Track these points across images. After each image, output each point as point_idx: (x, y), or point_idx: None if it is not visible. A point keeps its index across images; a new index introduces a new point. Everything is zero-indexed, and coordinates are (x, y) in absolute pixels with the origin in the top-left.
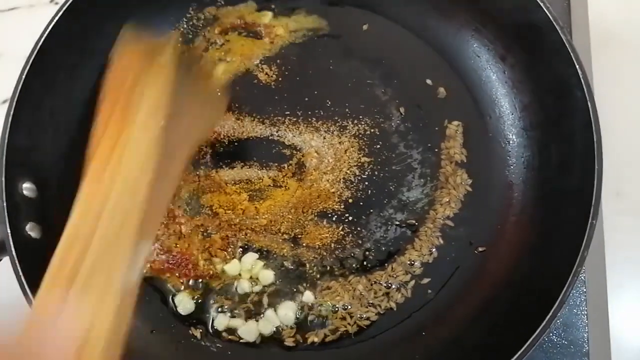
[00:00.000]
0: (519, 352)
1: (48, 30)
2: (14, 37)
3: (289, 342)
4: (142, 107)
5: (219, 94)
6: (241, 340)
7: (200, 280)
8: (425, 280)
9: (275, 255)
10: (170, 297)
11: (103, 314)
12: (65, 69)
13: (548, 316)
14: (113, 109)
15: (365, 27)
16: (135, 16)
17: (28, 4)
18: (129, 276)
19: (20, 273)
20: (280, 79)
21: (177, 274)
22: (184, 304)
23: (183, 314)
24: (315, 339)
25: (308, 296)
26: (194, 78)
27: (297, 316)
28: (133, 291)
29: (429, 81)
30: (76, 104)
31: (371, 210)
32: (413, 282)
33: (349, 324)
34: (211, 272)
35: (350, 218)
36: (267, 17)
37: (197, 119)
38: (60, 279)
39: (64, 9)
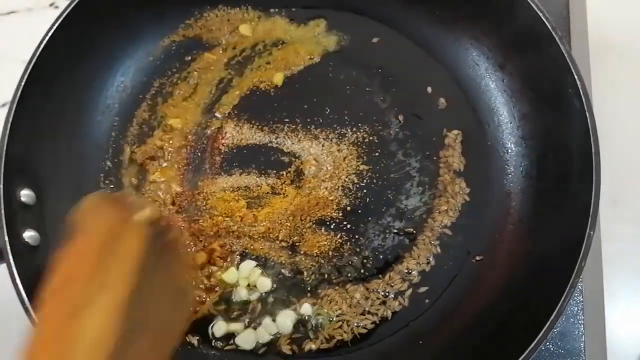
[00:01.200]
0: None
1: (47, 37)
2: (13, 40)
3: (286, 350)
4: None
5: (189, 286)
6: (238, 348)
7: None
8: (423, 289)
9: (273, 263)
10: None
11: None
12: (64, 76)
13: (545, 327)
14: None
15: (375, 40)
16: (133, 22)
17: (26, 8)
18: None
19: (18, 280)
20: (279, 86)
21: None
22: None
23: None
24: (312, 347)
25: (306, 308)
26: (167, 262)
27: (295, 324)
28: None
29: (429, 89)
30: (74, 111)
31: (369, 218)
32: (410, 290)
33: (345, 332)
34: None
35: (349, 226)
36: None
37: (165, 313)
38: None
39: (63, 16)
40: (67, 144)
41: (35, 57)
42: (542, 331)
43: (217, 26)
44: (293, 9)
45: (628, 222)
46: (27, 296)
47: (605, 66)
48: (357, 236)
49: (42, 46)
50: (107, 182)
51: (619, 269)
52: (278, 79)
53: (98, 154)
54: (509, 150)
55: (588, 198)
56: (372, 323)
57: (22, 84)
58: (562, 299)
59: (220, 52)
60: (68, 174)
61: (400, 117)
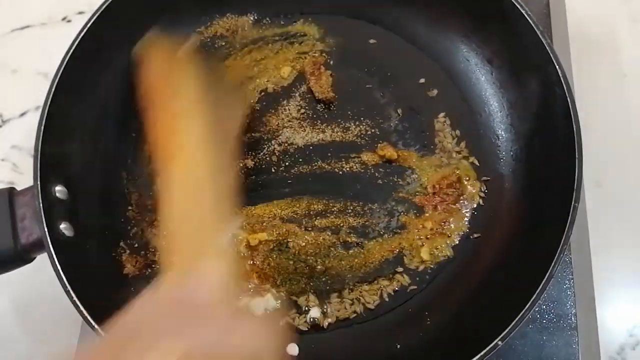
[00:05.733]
0: (512, 323)
1: (72, 49)
2: (28, 54)
3: (303, 326)
4: (183, 100)
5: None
6: None
7: None
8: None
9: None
10: None
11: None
12: (87, 83)
13: (538, 289)
14: (157, 108)
15: (372, 41)
16: (148, 30)
17: (40, 22)
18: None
19: (59, 267)
20: (286, 86)
21: None
22: None
23: None
24: (326, 323)
25: (315, 312)
26: (215, 72)
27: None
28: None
29: (424, 84)
30: (97, 113)
31: (375, 204)
32: (414, 266)
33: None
34: None
35: (357, 209)
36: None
37: (228, 109)
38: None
39: (86, 28)
40: (92, 144)
41: (63, 67)
42: (536, 293)
43: (225, 33)
44: (292, 15)
45: (610, 202)
46: (68, 281)
47: (586, 60)
48: (364, 220)
49: (67, 58)
50: (129, 177)
51: (605, 244)
52: (285, 72)
53: (121, 152)
54: (500, 137)
55: (572, 173)
56: (379, 298)
57: (53, 89)
58: (553, 263)
59: (230, 56)
60: (94, 171)
61: (399, 111)
